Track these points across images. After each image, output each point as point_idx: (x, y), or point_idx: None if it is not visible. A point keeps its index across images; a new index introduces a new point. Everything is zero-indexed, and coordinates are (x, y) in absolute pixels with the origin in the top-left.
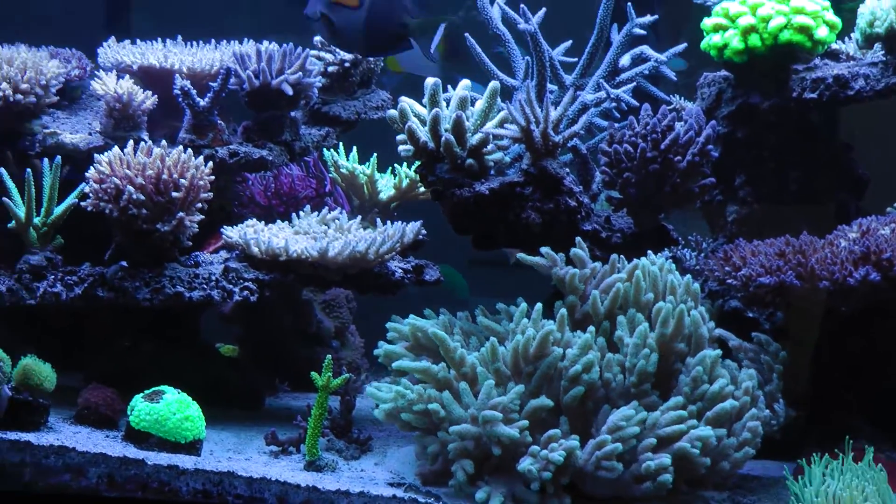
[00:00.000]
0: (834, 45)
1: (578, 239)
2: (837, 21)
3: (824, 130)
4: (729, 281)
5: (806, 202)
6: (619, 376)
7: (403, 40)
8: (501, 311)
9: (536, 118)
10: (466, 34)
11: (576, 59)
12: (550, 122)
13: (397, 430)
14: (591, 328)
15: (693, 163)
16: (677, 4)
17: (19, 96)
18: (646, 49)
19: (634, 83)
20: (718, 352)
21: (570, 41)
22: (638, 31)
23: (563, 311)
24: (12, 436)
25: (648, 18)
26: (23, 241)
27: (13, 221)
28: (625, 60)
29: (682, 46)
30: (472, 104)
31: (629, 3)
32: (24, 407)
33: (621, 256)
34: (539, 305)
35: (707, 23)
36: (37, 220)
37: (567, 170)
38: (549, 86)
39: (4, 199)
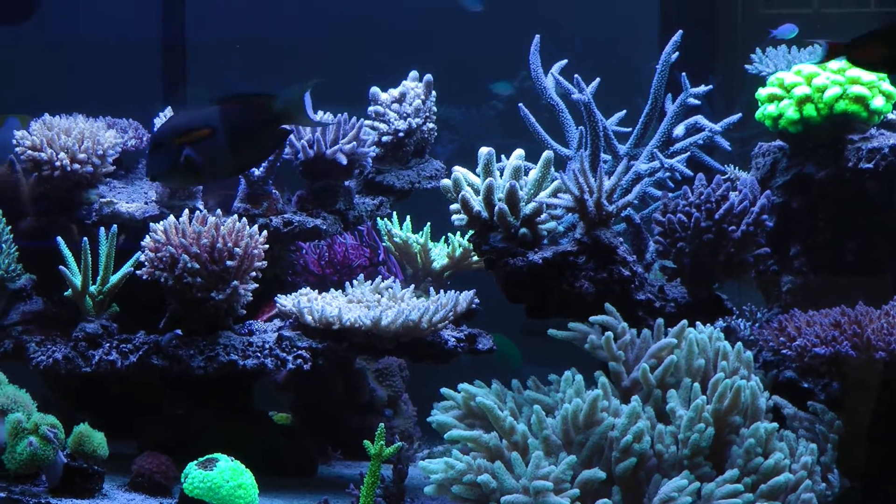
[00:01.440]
0: (890, 115)
1: (607, 305)
2: (894, 91)
3: (881, 200)
4: (784, 351)
5: (862, 273)
6: (672, 448)
7: (282, 137)
8: (554, 381)
9: (590, 188)
10: (520, 105)
11: (630, 129)
12: (604, 192)
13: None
14: (636, 397)
15: (747, 233)
16: (732, 75)
17: (77, 166)
18: (700, 119)
19: (688, 153)
20: (774, 425)
21: (625, 111)
22: (692, 100)
23: (604, 379)
24: (67, 503)
25: (703, 88)
26: (79, 309)
27: (70, 290)
28: (679, 130)
29: (737, 117)
30: (526, 174)
31: (683, 73)
32: (79, 474)
33: (661, 322)
34: (580, 376)
35: (762, 93)
36: (93, 289)
37: (621, 239)
38: (603, 155)
39: (61, 267)
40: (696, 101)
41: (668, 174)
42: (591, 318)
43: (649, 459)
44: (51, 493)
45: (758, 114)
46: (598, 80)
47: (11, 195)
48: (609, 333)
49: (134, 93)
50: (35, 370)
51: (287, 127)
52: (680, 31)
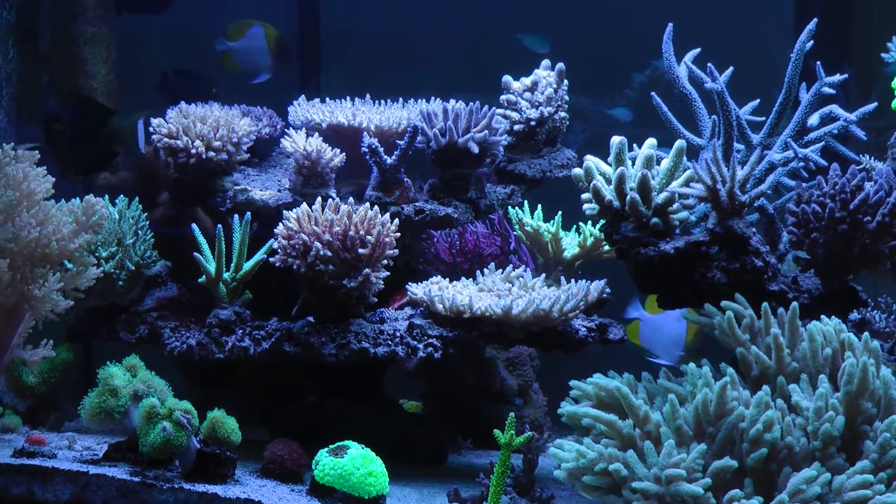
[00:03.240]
0: None
1: (737, 295)
2: None
3: None
4: None
5: None
6: (803, 440)
7: (110, 155)
8: (686, 372)
9: (723, 177)
10: (653, 93)
11: (763, 118)
12: (737, 182)
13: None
14: (766, 387)
15: (883, 223)
16: (868, 63)
17: (212, 154)
18: (835, 108)
19: (823, 142)
20: None
21: (758, 100)
22: (827, 90)
23: (731, 370)
24: (200, 488)
25: (838, 77)
26: (213, 295)
27: (204, 276)
28: (813, 120)
29: (872, 106)
30: (658, 163)
31: (818, 62)
32: (212, 459)
33: (796, 306)
34: (707, 367)
35: None
36: (226, 276)
37: (754, 229)
38: (736, 145)
39: (196, 254)
40: (831, 90)
41: (802, 164)
42: (723, 303)
43: (781, 451)
44: (184, 478)
45: (894, 103)
46: (731, 68)
47: (150, 182)
48: (729, 314)
49: (269, 81)
50: (169, 356)
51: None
52: (815, 19)
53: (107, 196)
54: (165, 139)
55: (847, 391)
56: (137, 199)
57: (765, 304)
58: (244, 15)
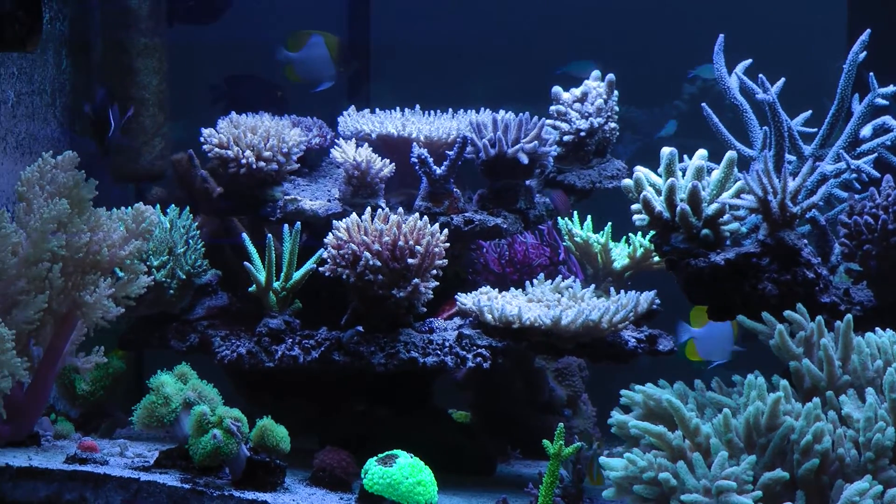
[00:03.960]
0: None
1: (799, 305)
2: None
3: None
4: None
5: None
6: (853, 451)
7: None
8: (737, 383)
9: (774, 189)
10: (703, 104)
11: (815, 130)
12: (788, 193)
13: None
14: (816, 399)
15: None
16: None
17: (262, 164)
18: (888, 120)
19: (876, 154)
20: None
21: (810, 111)
22: (880, 101)
23: (784, 381)
24: (249, 496)
25: (891, 88)
26: (262, 304)
27: (254, 285)
28: (866, 131)
29: None
30: (709, 174)
31: (871, 73)
32: (262, 467)
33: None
34: (762, 379)
35: None
36: (276, 285)
37: (805, 241)
38: (788, 156)
39: (246, 263)
40: (884, 102)
41: (854, 175)
42: (786, 313)
43: (832, 464)
44: (234, 485)
45: None
46: (783, 79)
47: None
48: (780, 328)
49: (318, 91)
50: (219, 364)
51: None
52: (868, 30)
53: (158, 206)
54: (216, 149)
55: (892, 398)
56: (188, 208)
57: (819, 318)
58: (295, 26)
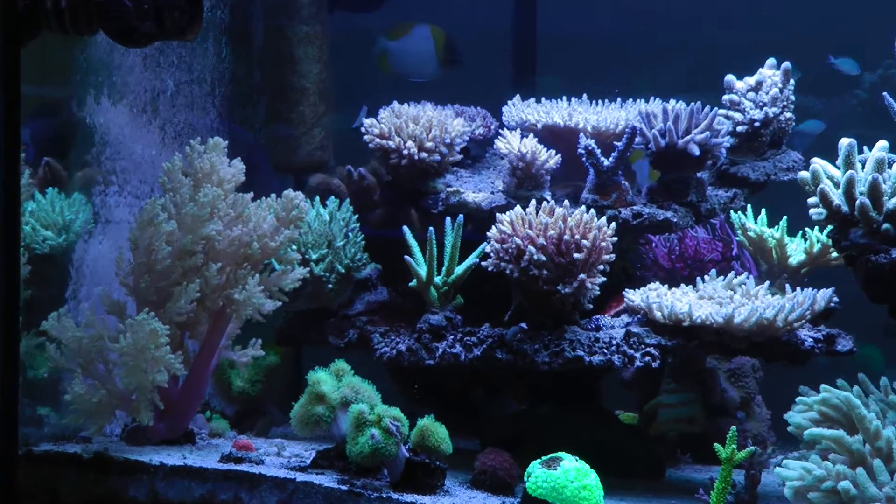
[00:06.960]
0: None
1: None
2: None
3: None
4: None
5: None
6: None
7: None
8: None
9: None
10: (885, 93)
11: None
12: None
13: None
14: None
15: None
16: None
17: (424, 154)
18: None
19: None
20: None
21: None
22: None
23: None
24: (408, 498)
25: None
26: (423, 299)
27: (415, 280)
28: None
29: None
30: (890, 166)
31: None
32: (422, 469)
33: None
34: None
35: None
36: (438, 280)
37: None
38: None
39: (407, 257)
40: None
41: None
42: None
43: None
44: (392, 487)
45: None
46: None
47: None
48: None
49: (484, 81)
50: (379, 361)
51: None
52: None
53: (318, 197)
54: (377, 139)
55: None
56: (349, 200)
57: None
58: (459, 14)
